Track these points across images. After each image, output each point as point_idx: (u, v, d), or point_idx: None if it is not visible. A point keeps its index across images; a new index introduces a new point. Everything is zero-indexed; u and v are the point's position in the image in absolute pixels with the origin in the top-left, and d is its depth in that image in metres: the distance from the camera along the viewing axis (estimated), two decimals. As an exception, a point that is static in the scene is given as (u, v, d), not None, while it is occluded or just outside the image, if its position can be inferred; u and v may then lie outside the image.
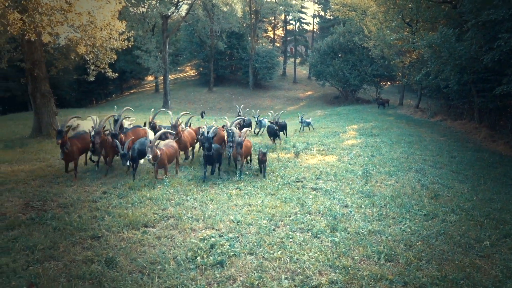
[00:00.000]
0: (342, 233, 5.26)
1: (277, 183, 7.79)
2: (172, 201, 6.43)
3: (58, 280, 3.90)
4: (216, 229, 5.30)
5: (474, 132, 17.47)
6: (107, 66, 13.29)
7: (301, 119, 15.94)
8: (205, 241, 4.86)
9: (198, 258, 4.40)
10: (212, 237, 4.98)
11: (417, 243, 4.95)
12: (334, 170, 9.04)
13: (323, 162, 9.97)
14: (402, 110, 27.47)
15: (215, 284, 3.95)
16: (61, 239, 4.83)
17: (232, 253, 4.53)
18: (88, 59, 12.67)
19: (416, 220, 5.82)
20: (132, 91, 46.70)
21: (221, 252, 4.53)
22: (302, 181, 8.03)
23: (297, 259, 4.45)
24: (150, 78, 47.40)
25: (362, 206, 6.47)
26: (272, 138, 12.46)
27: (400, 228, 5.46)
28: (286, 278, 4.04)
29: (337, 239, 5.03)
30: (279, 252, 4.61)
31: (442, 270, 4.18)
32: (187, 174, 8.37)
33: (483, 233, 5.39)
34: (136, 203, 6.18)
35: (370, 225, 5.53)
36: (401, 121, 20.39)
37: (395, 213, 6.13)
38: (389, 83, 35.84)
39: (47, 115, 12.54)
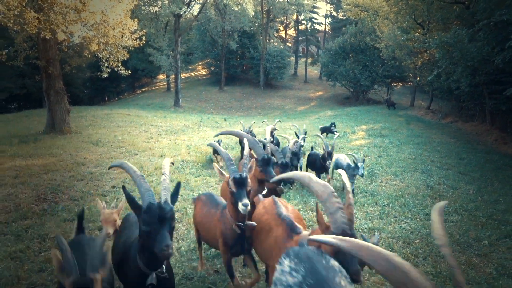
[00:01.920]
0: (343, 229, 5.36)
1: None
2: (178, 196, 6.60)
3: (67, 267, 4.09)
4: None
5: (485, 134, 17.33)
6: (119, 64, 13.53)
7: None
8: (208, 234, 5.03)
9: (201, 250, 4.58)
10: (215, 231, 5.15)
11: (416, 241, 5.03)
12: (340, 169, 9.11)
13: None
14: (413, 111, 27.27)
15: (214, 273, 4.10)
16: (71, 229, 5.02)
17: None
18: (101, 56, 12.92)
19: (417, 219, 5.89)
20: (144, 89, 47.23)
21: (223, 244, 4.69)
22: (307, 180, 8.12)
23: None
24: (162, 76, 47.86)
25: (365, 204, 6.55)
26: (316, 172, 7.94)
27: (400, 226, 5.55)
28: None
29: (337, 235, 5.13)
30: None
31: (437, 267, 4.27)
32: (194, 171, 8.55)
33: (483, 233, 5.44)
34: (143, 197, 6.38)
35: (371, 223, 5.62)
36: (411, 122, 20.30)
37: (397, 212, 6.21)
38: (400, 84, 35.60)
39: (60, 112, 12.84)
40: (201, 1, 31.93)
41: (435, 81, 19.03)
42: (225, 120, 20.67)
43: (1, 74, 29.91)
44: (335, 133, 13.17)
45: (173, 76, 32.08)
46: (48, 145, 10.32)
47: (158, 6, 30.72)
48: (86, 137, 12.08)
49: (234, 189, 3.00)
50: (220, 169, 3.40)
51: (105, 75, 13.40)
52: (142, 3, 28.65)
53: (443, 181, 8.48)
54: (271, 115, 29.34)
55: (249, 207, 2.93)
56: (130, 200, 2.31)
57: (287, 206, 3.27)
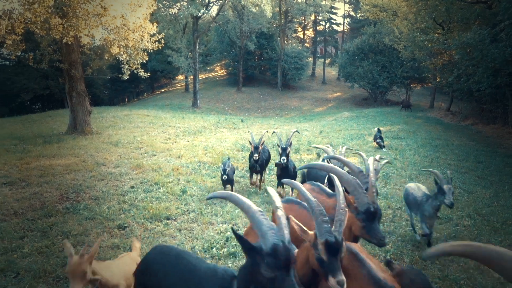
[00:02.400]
0: (353, 231, 5.46)
1: (297, 183, 8.02)
2: (194, 196, 6.83)
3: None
4: (233, 224, 5.63)
5: (507, 137, 16.97)
6: (139, 66, 13.86)
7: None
8: (221, 234, 5.23)
9: (214, 249, 4.77)
10: (228, 231, 5.32)
11: (425, 245, 5.08)
12: (355, 172, 9.16)
13: (345, 163, 10.09)
14: (432, 113, 26.92)
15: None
16: (92, 227, 5.30)
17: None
18: (122, 59, 13.28)
19: (428, 223, 5.93)
20: (162, 90, 47.96)
21: (235, 244, 4.86)
22: (322, 182, 8.23)
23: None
24: (180, 77, 48.48)
25: (378, 207, 6.62)
26: None
27: (411, 229, 5.60)
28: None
29: (348, 237, 5.23)
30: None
31: (445, 270, 4.32)
32: (210, 172, 8.75)
33: (495, 238, 5.44)
34: (160, 198, 6.62)
35: (382, 226, 5.69)
36: (429, 124, 20.07)
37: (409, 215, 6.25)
38: (419, 85, 35.14)
39: (82, 113, 13.26)
40: (219, 3, 32.25)
41: (455, 83, 18.76)
42: (242, 121, 20.86)
43: (27, 75, 31.00)
44: (383, 148, 12.55)
45: (192, 77, 32.48)
46: (70, 146, 10.73)
47: (177, 8, 31.18)
48: (106, 137, 12.47)
49: (325, 257, 2.20)
50: (298, 222, 2.42)
51: (126, 77, 13.75)
52: (161, 5, 29.13)
53: (459, 185, 8.42)
54: (288, 116, 29.43)
55: (345, 286, 2.12)
56: (243, 241, 1.95)
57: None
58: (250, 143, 7.42)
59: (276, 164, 6.70)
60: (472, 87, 17.26)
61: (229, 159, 7.46)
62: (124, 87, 44.27)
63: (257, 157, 7.06)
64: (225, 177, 6.60)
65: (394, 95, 34.90)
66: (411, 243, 5.12)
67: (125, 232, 5.25)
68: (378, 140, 12.68)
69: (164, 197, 6.70)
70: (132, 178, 7.82)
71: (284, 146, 6.63)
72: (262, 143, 7.40)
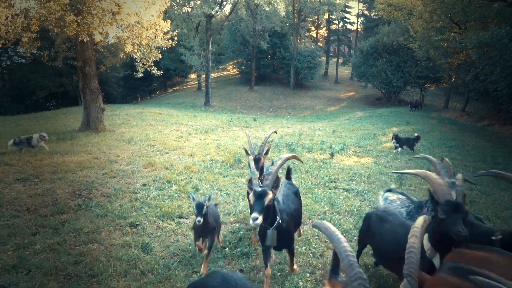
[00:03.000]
0: (369, 233, 5.35)
1: (310, 183, 7.92)
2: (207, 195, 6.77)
3: (100, 260, 4.33)
4: (245, 224, 5.56)
5: (525, 139, 16.65)
6: (152, 64, 13.89)
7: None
8: (234, 234, 5.16)
9: (227, 249, 4.70)
10: (241, 230, 5.25)
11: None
12: (368, 172, 9.02)
13: (358, 164, 9.96)
14: (447, 113, 26.50)
15: (240, 272, 4.20)
16: (103, 225, 5.28)
17: (258, 247, 4.75)
18: (136, 57, 13.32)
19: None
20: (175, 88, 48.20)
21: (248, 244, 4.79)
22: (335, 182, 8.10)
23: (320, 255, 4.61)
24: (193, 76, 48.61)
25: (393, 208, 6.48)
26: None
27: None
28: (308, 272, 4.21)
29: (362, 239, 5.11)
30: (304, 248, 4.80)
31: None
32: (222, 170, 8.69)
33: (516, 242, 5.26)
34: (172, 196, 6.58)
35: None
36: (444, 125, 19.75)
37: (426, 217, 6.10)
38: (434, 85, 34.62)
39: (95, 110, 13.35)
40: (232, 2, 32.22)
41: (472, 82, 18.40)
42: (255, 120, 20.78)
43: (42, 73, 31.45)
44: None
45: (204, 76, 32.52)
46: (83, 143, 10.79)
47: (190, 6, 31.24)
48: (119, 135, 12.52)
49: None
50: None
51: (140, 75, 13.78)
52: (175, 4, 29.22)
53: (475, 187, 8.21)
54: (300, 115, 29.27)
55: None
56: None
57: None
58: (247, 153, 5.03)
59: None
60: (489, 87, 16.91)
61: (210, 197, 4.27)
62: (137, 85, 44.57)
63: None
64: (199, 220, 3.90)
65: (408, 95, 34.41)
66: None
67: (137, 230, 5.22)
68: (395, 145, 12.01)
69: (176, 195, 6.66)
70: (144, 175, 7.80)
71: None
72: (267, 151, 5.12)
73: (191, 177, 7.87)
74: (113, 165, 8.51)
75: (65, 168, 7.88)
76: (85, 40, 10.99)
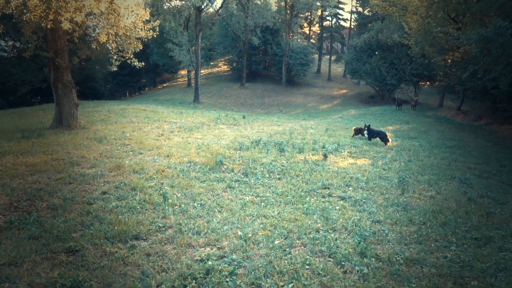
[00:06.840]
0: (373, 260, 4.27)
1: (301, 190, 6.91)
2: (176, 207, 5.67)
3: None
4: (218, 247, 4.46)
5: (525, 139, 15.93)
6: (132, 56, 12.84)
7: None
8: (201, 263, 4.02)
9: (188, 288, 3.57)
10: (211, 258, 4.13)
11: (472, 282, 3.90)
12: (366, 176, 8.04)
13: (355, 166, 8.98)
14: (442, 112, 25.88)
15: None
16: (30, 252, 4.10)
17: (229, 286, 3.66)
18: (111, 48, 12.23)
19: (465, 246, 4.74)
20: (165, 85, 47.09)
21: (217, 282, 3.68)
22: (329, 188, 7.09)
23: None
24: (183, 72, 47.61)
25: (397, 222, 5.49)
26: None
27: (446, 256, 4.41)
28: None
29: (366, 270, 4.05)
30: (291, 286, 3.74)
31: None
32: (200, 175, 7.59)
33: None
34: (134, 208, 5.47)
35: (408, 250, 4.53)
36: (440, 124, 19.05)
37: (438, 234, 5.09)
38: (428, 83, 34.03)
39: (68, 106, 12.24)
40: (223, -5, 31.20)
41: (469, 80, 17.63)
42: (244, 117, 19.75)
43: (24, 67, 29.95)
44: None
45: (194, 72, 31.53)
46: (48, 142, 9.64)
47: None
48: (92, 133, 11.40)
49: None
50: None
51: (115, 69, 12.69)
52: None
53: (486, 193, 7.32)
54: (292, 113, 28.38)
55: None
56: None
57: None
58: None
59: None
60: (488, 84, 16.16)
61: None
62: (125, 81, 43.31)
63: None
64: None
65: (403, 93, 33.66)
66: (451, 279, 3.93)
67: (74, 258, 4.06)
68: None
69: (139, 206, 5.53)
70: (107, 181, 6.67)
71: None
72: None
73: (162, 183, 6.74)
74: (73, 168, 7.34)
75: (12, 173, 6.66)
76: (48, 27, 9.84)
